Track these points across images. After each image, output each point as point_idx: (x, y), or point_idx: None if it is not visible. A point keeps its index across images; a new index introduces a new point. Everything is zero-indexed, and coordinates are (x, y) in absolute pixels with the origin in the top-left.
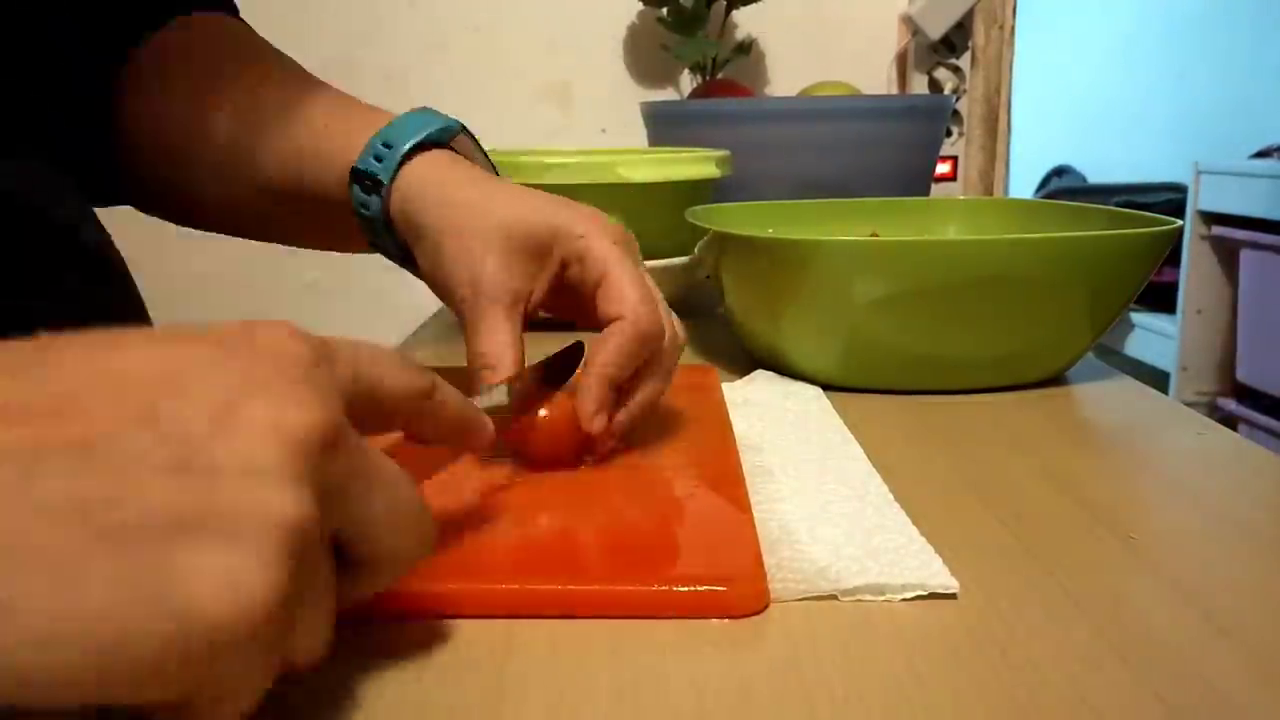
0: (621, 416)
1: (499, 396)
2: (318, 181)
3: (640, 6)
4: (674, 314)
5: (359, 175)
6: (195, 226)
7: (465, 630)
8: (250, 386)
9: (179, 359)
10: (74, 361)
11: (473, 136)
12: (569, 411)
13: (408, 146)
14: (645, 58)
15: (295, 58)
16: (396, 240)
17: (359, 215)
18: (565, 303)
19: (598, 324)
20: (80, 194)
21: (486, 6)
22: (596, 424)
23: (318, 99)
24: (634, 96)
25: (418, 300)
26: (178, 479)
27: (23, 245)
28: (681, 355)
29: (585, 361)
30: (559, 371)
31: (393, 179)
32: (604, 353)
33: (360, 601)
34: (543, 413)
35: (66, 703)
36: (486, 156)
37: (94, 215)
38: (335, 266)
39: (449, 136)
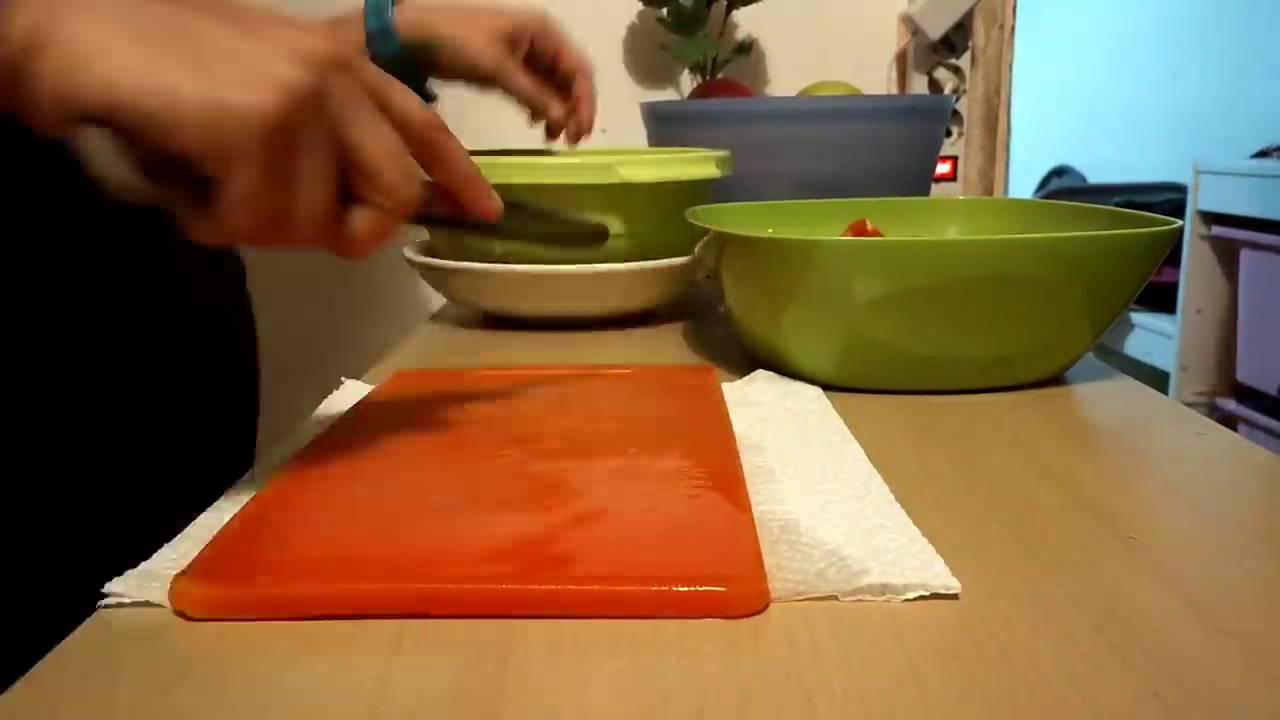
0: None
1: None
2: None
3: (640, 6)
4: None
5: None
6: None
7: (464, 630)
8: (297, 27)
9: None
10: None
11: None
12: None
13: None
14: (645, 58)
15: None
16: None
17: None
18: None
19: (554, 78)
20: None
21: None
22: (590, 123)
23: None
24: (634, 96)
25: (418, 300)
26: (229, 27)
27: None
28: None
29: (576, 94)
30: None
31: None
32: (583, 85)
33: (370, 234)
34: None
35: (128, 120)
36: None
37: None
38: (335, 266)
39: None
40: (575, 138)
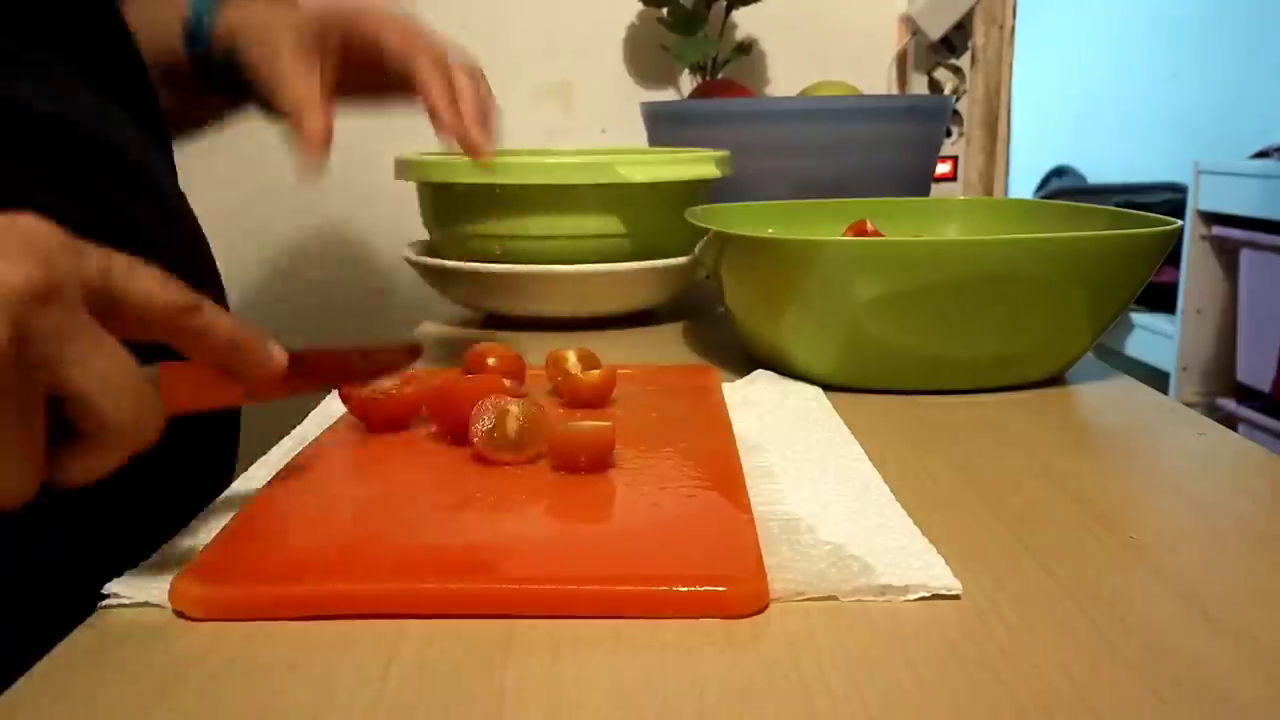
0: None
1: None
2: (170, 46)
3: (640, 6)
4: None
5: (187, 23)
6: None
7: (465, 630)
8: None
9: None
10: None
11: None
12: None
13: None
14: (645, 58)
15: None
16: (230, 77)
17: (193, 56)
18: (365, 80)
19: (395, 89)
20: (142, 131)
21: (486, 6)
22: (490, 143)
23: None
24: (634, 96)
25: (418, 300)
26: None
27: (99, 178)
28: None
29: (430, 114)
30: (393, 359)
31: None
32: (429, 94)
33: (89, 475)
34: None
35: None
36: None
37: (160, 157)
38: (335, 267)
39: None
40: (469, 147)
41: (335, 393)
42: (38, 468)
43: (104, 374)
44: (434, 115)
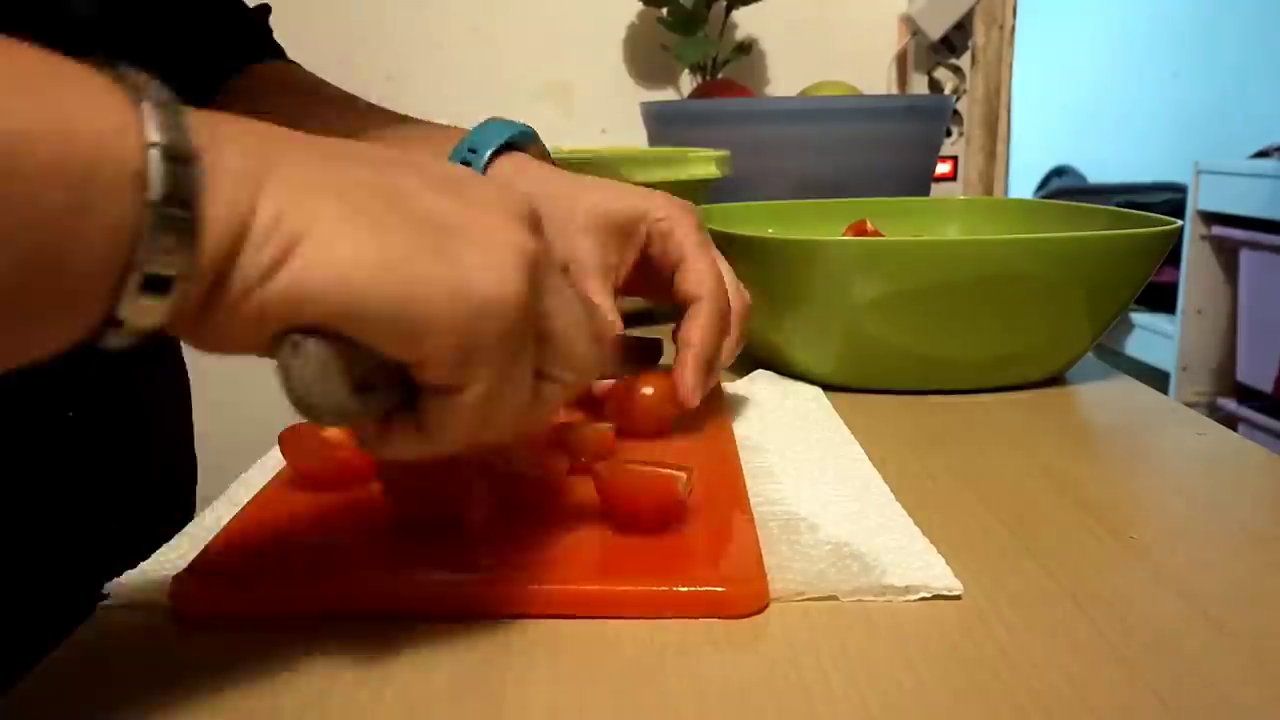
0: (710, 380)
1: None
2: None
3: (640, 6)
4: (740, 283)
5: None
6: None
7: (466, 630)
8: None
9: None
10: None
11: (542, 143)
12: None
13: (492, 149)
14: (645, 58)
15: (295, 57)
16: None
17: None
18: (644, 279)
19: (674, 299)
20: None
21: (486, 6)
22: (695, 399)
23: (397, 124)
24: (634, 96)
25: None
26: (448, 194)
27: None
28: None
29: (678, 342)
30: (638, 354)
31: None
32: (696, 332)
33: (546, 414)
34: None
35: (363, 325)
36: (552, 161)
37: None
38: None
39: (526, 142)
40: (683, 392)
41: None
42: (530, 400)
43: (575, 308)
44: (678, 364)
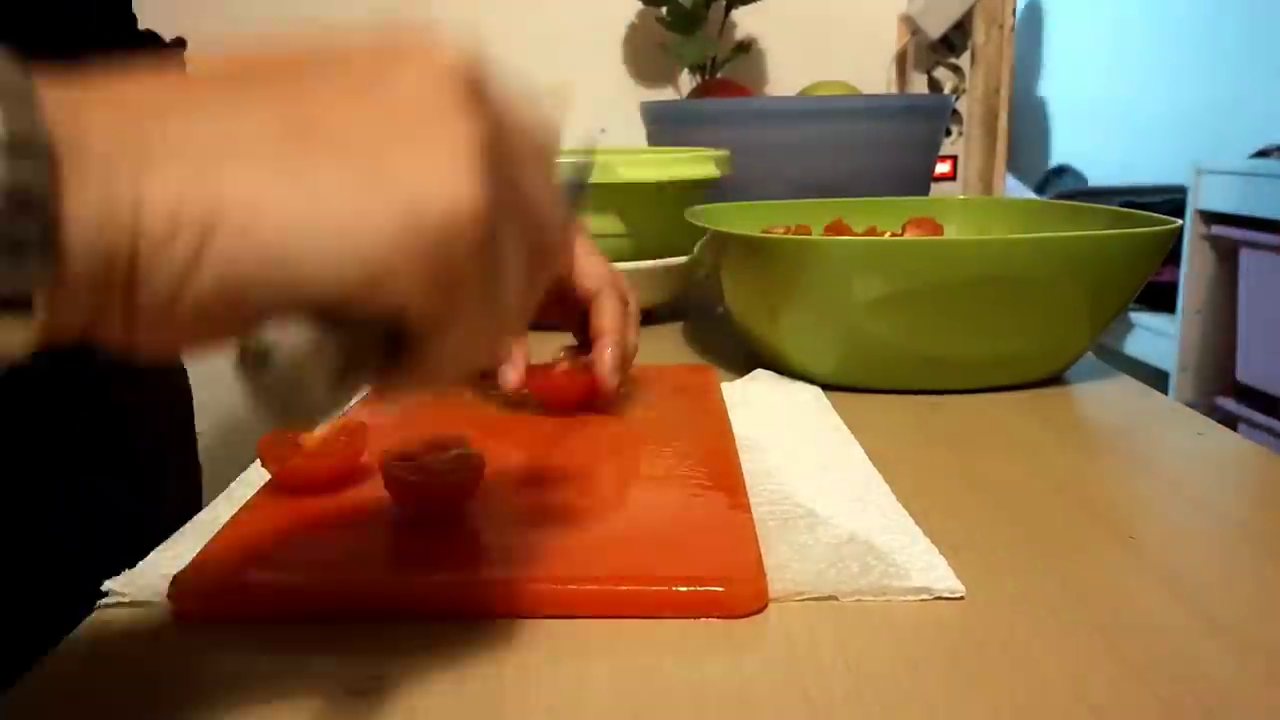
0: (627, 366)
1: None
2: None
3: (640, 6)
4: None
5: None
6: None
7: (465, 630)
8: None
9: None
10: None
11: None
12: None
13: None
14: (645, 58)
15: None
16: None
17: None
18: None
19: (572, 307)
20: None
21: (486, 6)
22: (614, 380)
23: None
24: (634, 96)
25: None
26: (363, 99)
27: None
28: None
29: (592, 334)
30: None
31: None
32: (607, 320)
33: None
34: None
35: (321, 291)
36: None
37: None
38: None
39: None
40: (603, 388)
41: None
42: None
43: (548, 187)
44: (598, 352)
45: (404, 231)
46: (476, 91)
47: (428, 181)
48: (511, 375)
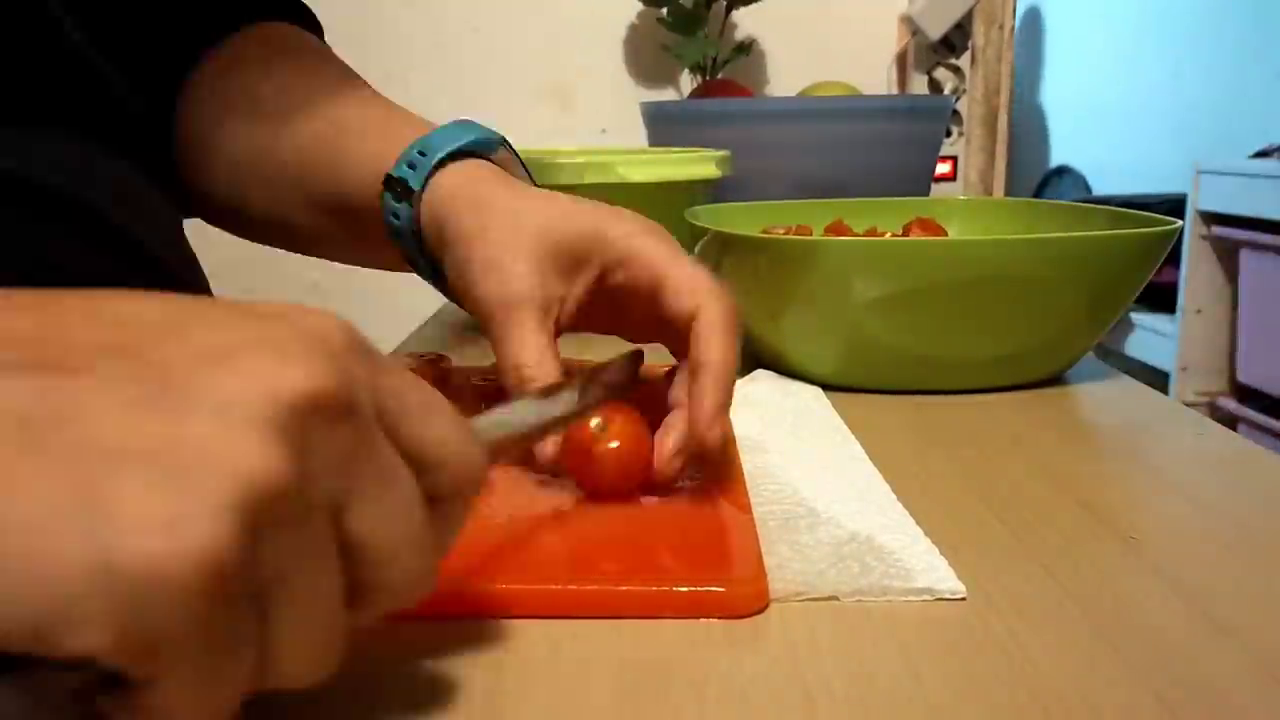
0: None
1: (566, 403)
2: (357, 190)
3: (640, 6)
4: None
5: (391, 182)
6: (252, 239)
7: (465, 630)
8: (259, 343)
9: (190, 310)
10: (76, 300)
11: (514, 151)
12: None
13: (442, 155)
14: (645, 58)
15: None
16: (427, 255)
17: (389, 225)
18: (604, 313)
19: (648, 332)
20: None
21: (486, 6)
22: (717, 431)
23: (354, 101)
24: (634, 96)
25: (418, 302)
26: (140, 411)
27: (61, 239)
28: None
29: (691, 365)
30: (615, 386)
31: (424, 186)
32: (715, 349)
33: (365, 623)
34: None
35: (7, 636)
36: (528, 171)
37: (159, 222)
38: (336, 267)
39: (487, 149)
40: (700, 442)
41: None
42: (337, 639)
43: (395, 515)
44: (696, 395)
45: (87, 578)
46: (333, 405)
47: (145, 523)
48: (548, 447)
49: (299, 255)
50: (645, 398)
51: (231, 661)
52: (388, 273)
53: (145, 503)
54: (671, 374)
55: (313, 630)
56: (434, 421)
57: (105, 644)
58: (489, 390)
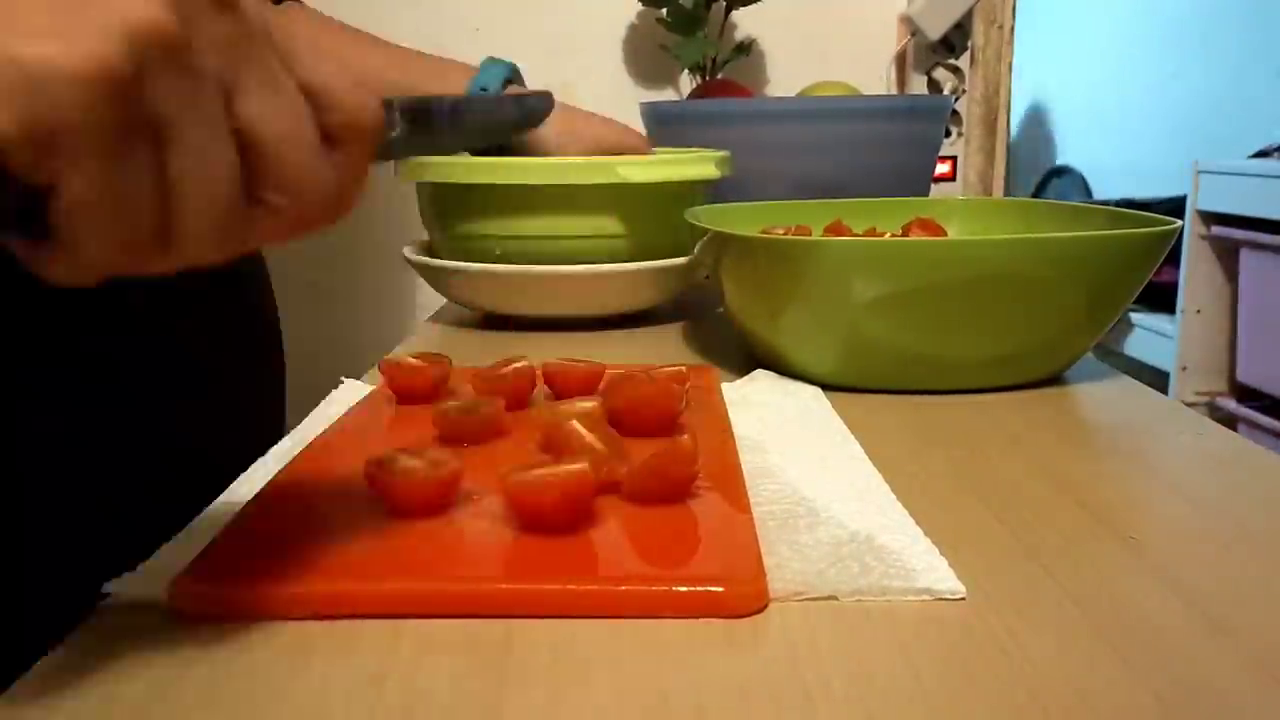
0: None
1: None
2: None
3: (640, 6)
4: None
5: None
6: None
7: (465, 630)
8: None
9: None
10: None
11: (522, 79)
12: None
13: (498, 87)
14: (645, 58)
15: None
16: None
17: None
18: None
19: None
20: None
21: (486, 6)
22: None
23: (398, 55)
24: (634, 96)
25: (418, 301)
26: None
27: None
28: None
29: None
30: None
31: None
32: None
33: (276, 234)
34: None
35: None
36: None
37: None
38: (335, 267)
39: (518, 79)
40: None
41: (342, 398)
42: (235, 215)
43: (284, 111)
44: None
45: None
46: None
47: (46, 32)
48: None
49: (297, 256)
50: (633, 401)
51: (131, 182)
52: (387, 273)
53: (45, 19)
54: (673, 375)
55: (211, 199)
56: (323, 67)
57: (9, 127)
58: (489, 390)
